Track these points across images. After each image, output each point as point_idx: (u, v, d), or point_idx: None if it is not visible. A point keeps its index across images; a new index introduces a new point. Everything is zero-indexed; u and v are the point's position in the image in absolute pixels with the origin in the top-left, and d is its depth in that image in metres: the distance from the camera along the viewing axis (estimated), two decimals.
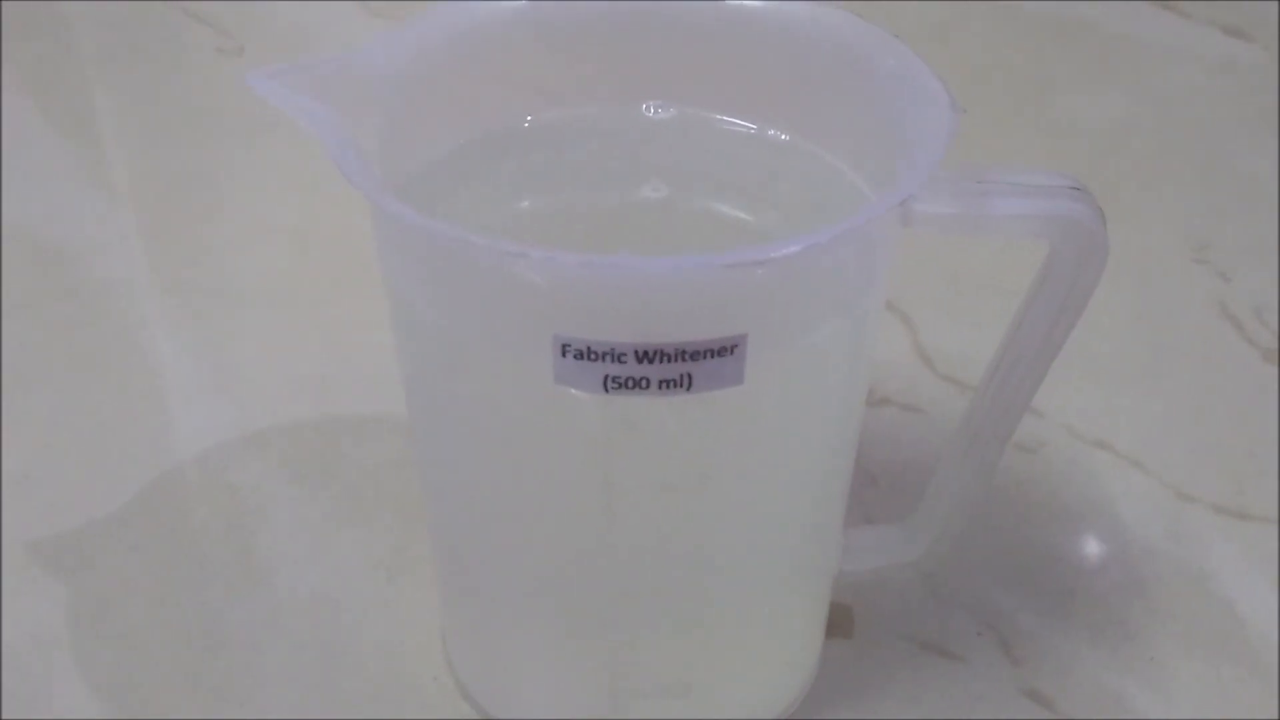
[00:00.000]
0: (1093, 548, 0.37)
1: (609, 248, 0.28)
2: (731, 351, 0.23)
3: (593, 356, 0.23)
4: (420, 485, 0.30)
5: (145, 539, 0.36)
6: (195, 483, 0.38)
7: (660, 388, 0.23)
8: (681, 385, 0.23)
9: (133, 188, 0.50)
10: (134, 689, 0.33)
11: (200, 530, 0.37)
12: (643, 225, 0.29)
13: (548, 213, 0.29)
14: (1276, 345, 0.44)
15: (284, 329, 0.44)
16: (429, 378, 0.26)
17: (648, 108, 0.31)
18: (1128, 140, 0.54)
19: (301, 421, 0.40)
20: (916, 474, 0.38)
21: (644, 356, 0.23)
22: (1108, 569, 0.36)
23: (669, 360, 0.23)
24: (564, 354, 0.23)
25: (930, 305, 0.45)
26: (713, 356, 0.23)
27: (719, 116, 0.30)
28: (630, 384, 0.23)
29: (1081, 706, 0.33)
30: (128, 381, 0.42)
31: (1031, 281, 0.27)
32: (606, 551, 0.26)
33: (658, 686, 0.29)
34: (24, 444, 0.39)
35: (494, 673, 0.31)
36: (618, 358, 0.23)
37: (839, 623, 0.34)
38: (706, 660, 0.29)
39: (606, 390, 0.23)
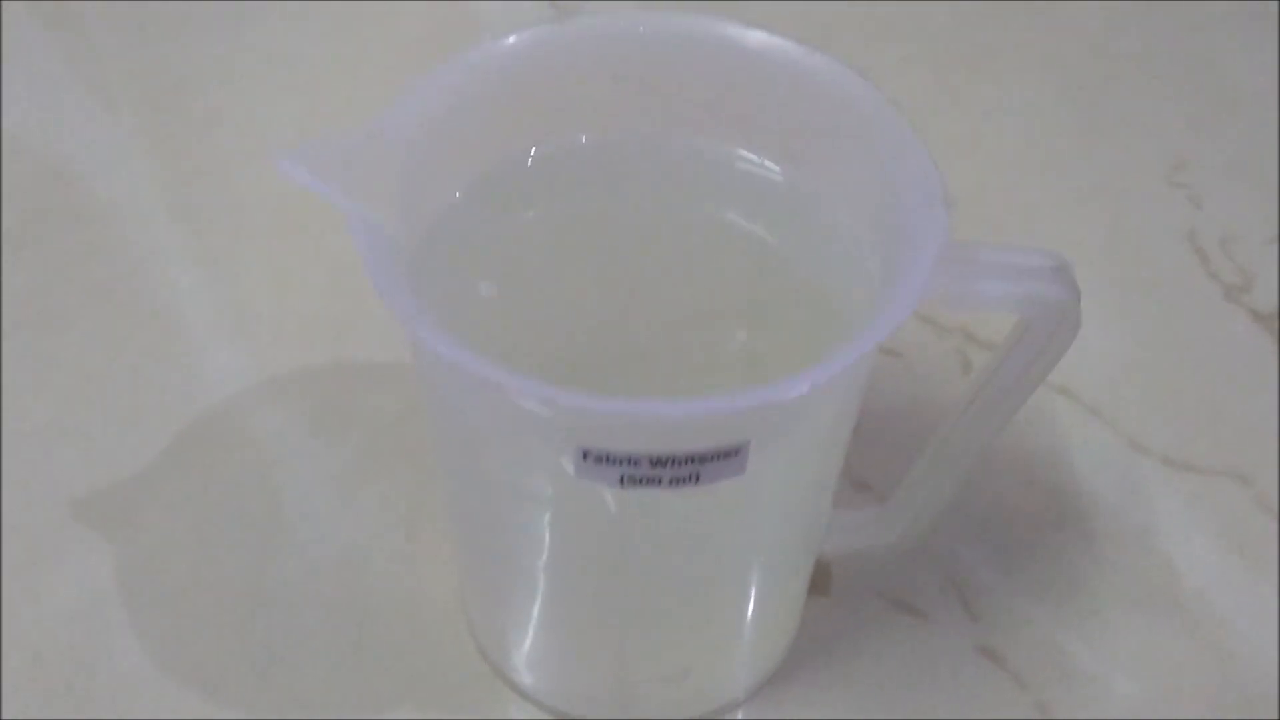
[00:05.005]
0: (1049, 502, 0.39)
1: (623, 319, 0.30)
2: (736, 454, 0.26)
3: (611, 461, 0.25)
4: (443, 500, 0.33)
5: (181, 496, 0.39)
6: (222, 435, 0.40)
7: (671, 483, 0.26)
8: (690, 480, 0.26)
9: (128, 94, 0.50)
10: (185, 646, 0.36)
11: (232, 485, 0.39)
12: (652, 283, 0.31)
13: (558, 265, 0.31)
14: (1238, 281, 0.46)
15: (295, 259, 0.45)
16: (455, 449, 0.29)
17: (655, 141, 0.32)
18: (1116, 42, 0.54)
19: (315, 367, 0.42)
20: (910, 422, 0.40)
21: (658, 462, 0.25)
22: (1062, 523, 0.39)
23: (680, 464, 0.25)
24: (584, 458, 0.25)
25: None
26: (719, 459, 0.26)
27: (725, 148, 0.32)
28: (645, 481, 0.26)
29: (1029, 662, 0.36)
30: (142, 320, 0.43)
31: (1003, 342, 0.29)
32: (619, 585, 0.30)
33: (659, 677, 0.33)
34: (49, 390, 0.41)
35: (508, 647, 0.35)
36: (633, 462, 0.25)
37: (819, 581, 0.37)
38: (704, 649, 0.33)
39: (623, 485, 0.26)
